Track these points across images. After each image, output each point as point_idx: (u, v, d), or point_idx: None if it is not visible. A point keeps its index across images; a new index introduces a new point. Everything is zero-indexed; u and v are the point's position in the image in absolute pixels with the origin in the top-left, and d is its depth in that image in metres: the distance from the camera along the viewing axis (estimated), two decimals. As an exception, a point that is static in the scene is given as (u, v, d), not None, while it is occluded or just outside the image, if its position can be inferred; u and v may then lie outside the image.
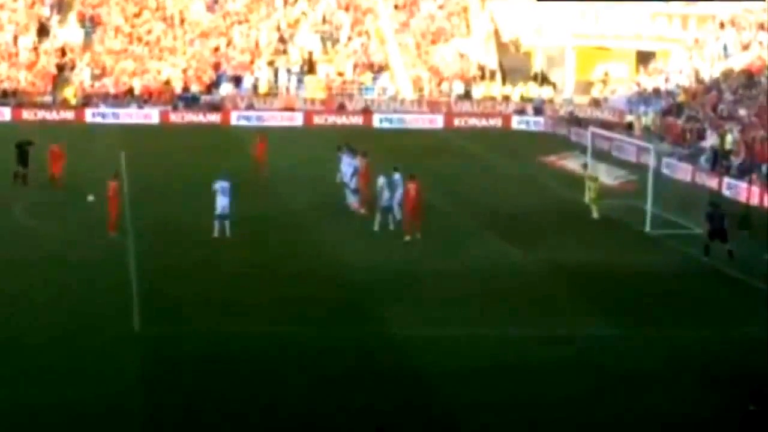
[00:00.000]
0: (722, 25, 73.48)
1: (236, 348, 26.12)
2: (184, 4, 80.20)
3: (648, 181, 41.11)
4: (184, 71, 75.27)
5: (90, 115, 69.60)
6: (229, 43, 78.46)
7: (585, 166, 46.72)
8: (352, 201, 42.07)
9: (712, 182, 50.82)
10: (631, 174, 50.64)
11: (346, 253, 35.57)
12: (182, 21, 79.29)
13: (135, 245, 35.72)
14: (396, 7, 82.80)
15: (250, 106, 72.50)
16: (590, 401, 23.54)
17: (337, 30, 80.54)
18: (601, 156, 53.65)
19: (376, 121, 71.50)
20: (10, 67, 73.74)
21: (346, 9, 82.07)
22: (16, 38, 75.77)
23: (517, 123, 72.94)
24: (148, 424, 21.79)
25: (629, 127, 65.79)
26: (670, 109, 65.89)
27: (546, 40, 79.91)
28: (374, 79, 76.58)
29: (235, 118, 70.78)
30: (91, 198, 40.68)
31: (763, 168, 49.29)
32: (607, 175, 49.74)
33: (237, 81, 75.28)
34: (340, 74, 76.99)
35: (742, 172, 50.19)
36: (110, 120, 69.05)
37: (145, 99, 72.41)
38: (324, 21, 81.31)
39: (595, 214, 42.11)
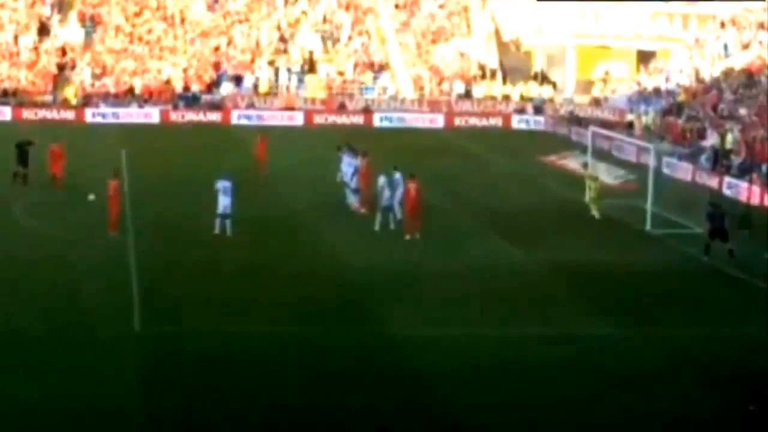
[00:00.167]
0: (723, 25, 73.49)
1: (236, 348, 26.12)
2: (185, 3, 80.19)
3: (648, 180, 41.11)
4: (185, 70, 75.28)
5: (90, 115, 69.56)
6: (229, 43, 78.46)
7: (585, 165, 46.71)
8: (353, 200, 42.07)
9: (712, 182, 50.81)
10: (632, 173, 50.63)
11: (346, 253, 35.57)
12: (183, 20, 79.29)
13: (135, 244, 35.72)
14: (396, 6, 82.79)
15: (250, 106, 72.49)
16: (590, 401, 23.54)
17: (337, 29, 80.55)
18: (602, 155, 53.64)
19: (377, 121, 71.48)
20: (11, 66, 73.74)
21: (347, 8, 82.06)
22: (16, 37, 75.77)
23: (517, 122, 72.91)
24: (148, 423, 21.80)
25: (630, 126, 65.78)
26: (670, 109, 65.89)
27: (546, 39, 79.90)
28: (375, 78, 76.58)
29: (236, 118, 70.78)
30: (91, 197, 40.67)
31: (764, 167, 49.27)
32: (608, 175, 49.74)
33: (237, 80, 75.29)
34: (341, 74, 76.99)
35: (743, 172, 50.18)
36: (111, 119, 69.03)
37: (146, 98, 72.39)
38: (324, 20, 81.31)
39: (595, 214, 42.13)
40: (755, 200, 46.24)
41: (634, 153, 55.89)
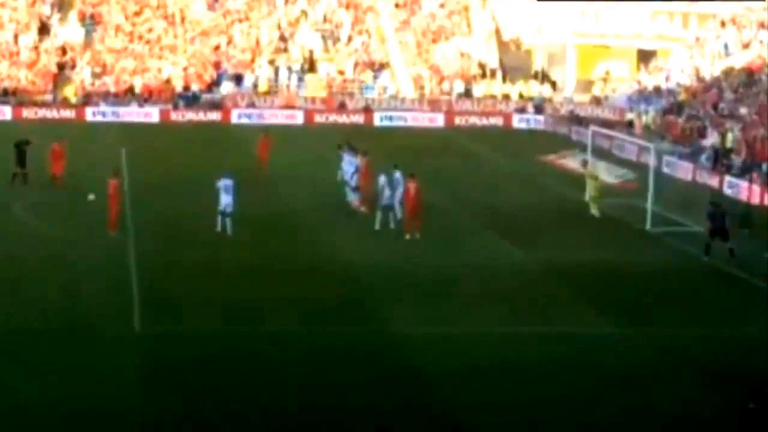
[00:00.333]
0: (723, 24, 73.47)
1: (236, 347, 26.12)
2: (185, 2, 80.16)
3: (649, 179, 41.11)
4: (185, 70, 75.27)
5: (90, 114, 69.55)
6: (229, 42, 78.44)
7: (585, 163, 46.73)
8: (353, 199, 42.07)
9: (712, 181, 50.81)
10: (632, 173, 50.62)
11: (346, 252, 35.57)
12: (183, 19, 79.26)
13: (135, 244, 35.72)
14: (397, 5, 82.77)
15: (250, 105, 72.48)
16: (590, 400, 23.54)
17: (337, 28, 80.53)
18: (602, 154, 53.64)
19: (377, 120, 71.47)
20: (11, 65, 73.72)
21: (347, 7, 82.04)
22: (16, 37, 75.74)
23: (517, 122, 72.90)
24: (148, 423, 21.80)
25: (630, 125, 65.79)
26: (670, 108, 65.88)
27: (547, 38, 79.90)
28: (375, 77, 76.56)
29: (236, 117, 70.77)
30: (91, 197, 40.64)
31: (764, 167, 49.27)
32: (608, 174, 49.74)
33: (238, 79, 75.28)
34: (341, 73, 76.98)
35: (743, 171, 50.18)
36: (111, 119, 69.00)
37: (146, 97, 72.36)
38: (325, 19, 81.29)
39: (594, 213, 42.13)
40: (755, 199, 46.25)
41: (635, 152, 55.88)
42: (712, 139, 56.37)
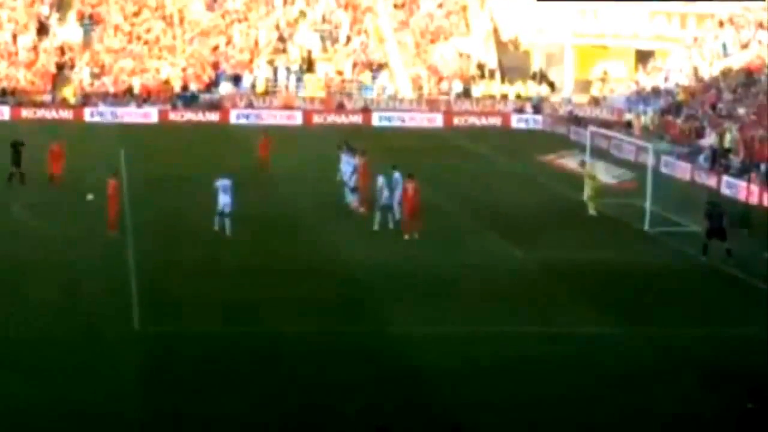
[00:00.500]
0: (721, 24, 73.52)
1: (235, 347, 26.13)
2: (184, 2, 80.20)
3: (647, 179, 41.13)
4: (184, 70, 75.30)
5: (89, 114, 69.59)
6: (228, 42, 78.48)
7: (582, 163, 46.79)
8: (352, 200, 42.07)
9: (711, 181, 50.86)
10: (631, 173, 50.65)
11: (345, 252, 35.58)
12: (181, 20, 79.30)
13: (135, 244, 35.73)
14: (395, 5, 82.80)
15: (249, 105, 72.52)
16: (590, 400, 23.55)
17: (336, 29, 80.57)
18: (601, 155, 53.67)
19: (376, 120, 71.52)
20: (10, 65, 73.77)
21: (346, 8, 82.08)
22: (15, 37, 75.78)
23: (516, 122, 72.99)
24: (148, 423, 21.80)
25: (628, 125, 65.84)
26: (669, 108, 65.95)
27: (545, 38, 79.95)
28: (373, 78, 76.62)
29: (235, 117, 70.82)
30: (90, 197, 40.66)
31: (762, 167, 49.31)
32: (607, 174, 49.77)
33: (236, 80, 75.33)
34: (340, 73, 77.02)
35: (741, 171, 50.23)
36: (109, 119, 69.04)
37: (145, 98, 72.40)
38: (323, 20, 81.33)
39: (592, 212, 42.15)
40: (754, 199, 46.28)
41: (633, 152, 55.92)
42: (710, 139, 56.42)
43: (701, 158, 54.40)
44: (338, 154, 44.79)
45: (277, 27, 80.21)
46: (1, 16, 77.08)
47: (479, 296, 30.95)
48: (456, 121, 72.43)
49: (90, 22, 78.46)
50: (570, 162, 54.57)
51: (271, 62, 76.84)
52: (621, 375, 25.09)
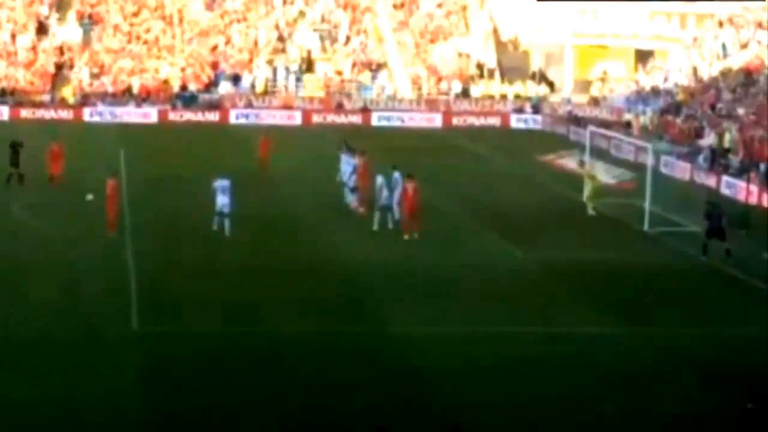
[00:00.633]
0: (721, 24, 73.52)
1: (235, 347, 26.13)
2: (183, 2, 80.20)
3: (646, 179, 41.13)
4: (183, 70, 75.31)
5: (88, 114, 69.57)
6: (227, 42, 78.48)
7: (582, 163, 46.78)
8: (351, 200, 42.06)
9: (710, 181, 50.88)
10: (630, 173, 50.66)
11: (345, 252, 35.58)
12: (181, 20, 79.30)
13: (134, 244, 35.72)
14: (394, 5, 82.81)
15: (248, 105, 72.52)
16: (589, 400, 23.55)
17: (335, 29, 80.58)
18: (600, 155, 53.68)
19: (375, 120, 71.52)
20: (9, 65, 73.74)
21: (345, 8, 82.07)
22: (14, 37, 75.77)
23: (515, 122, 73.00)
24: (147, 422, 21.79)
25: (628, 125, 65.83)
26: (668, 108, 65.94)
27: (545, 38, 79.95)
28: (373, 77, 76.62)
29: (234, 117, 70.82)
30: (89, 197, 40.64)
31: (762, 167, 49.33)
32: (606, 174, 49.77)
33: (236, 80, 75.33)
34: (339, 73, 77.03)
35: (741, 171, 50.23)
36: (109, 119, 69.03)
37: (144, 98, 72.39)
38: (323, 20, 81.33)
39: (590, 212, 42.14)
40: (753, 200, 46.29)
41: (633, 152, 55.93)
42: (709, 139, 56.42)
43: (700, 158, 54.41)
44: (338, 154, 44.77)
45: (277, 27, 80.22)
46: (1, 16, 77.06)
47: (479, 296, 30.95)
48: (455, 121, 72.44)
49: (89, 22, 78.46)
50: (569, 162, 54.58)
51: (270, 62, 76.85)
52: (621, 375, 25.09)
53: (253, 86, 74.87)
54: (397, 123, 71.49)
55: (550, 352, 26.44)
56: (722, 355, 26.68)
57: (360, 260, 34.62)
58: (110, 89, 73.10)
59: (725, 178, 50.04)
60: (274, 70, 76.19)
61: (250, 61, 77.00)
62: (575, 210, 42.81)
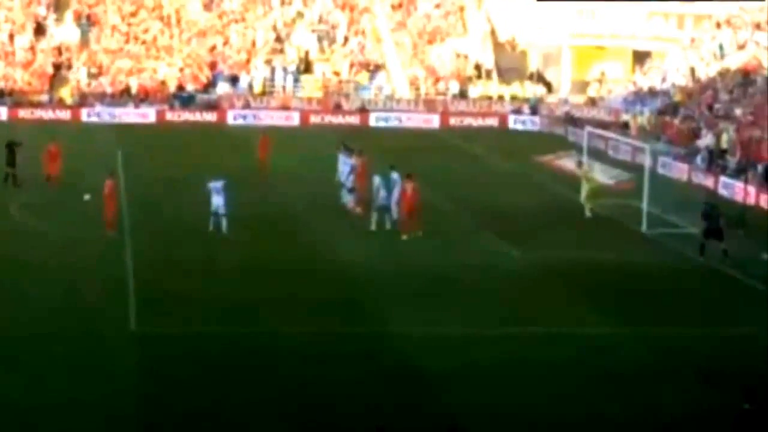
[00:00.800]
0: (718, 25, 73.58)
1: (234, 347, 26.13)
2: (181, 3, 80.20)
3: (644, 180, 41.16)
4: (181, 70, 75.31)
5: (86, 115, 69.55)
6: (225, 42, 78.48)
7: (579, 164, 46.78)
8: (348, 201, 42.06)
9: (708, 181, 50.93)
10: (628, 173, 50.69)
11: (343, 253, 35.60)
12: (179, 20, 79.30)
13: (132, 244, 35.73)
14: (392, 6, 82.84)
15: (246, 105, 72.52)
16: (587, 400, 23.57)
17: (333, 29, 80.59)
18: (598, 155, 53.73)
19: (373, 121, 71.53)
20: (7, 66, 73.72)
21: (343, 8, 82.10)
22: (12, 37, 75.74)
23: (513, 122, 73.04)
24: (145, 423, 21.80)
25: (625, 126, 65.88)
26: (666, 109, 65.99)
27: (542, 39, 79.97)
28: (371, 78, 76.63)
29: (232, 117, 70.83)
30: (87, 197, 40.64)
31: (759, 167, 49.38)
32: (604, 175, 49.78)
33: (233, 80, 75.32)
34: (337, 73, 77.04)
35: (738, 172, 50.26)
36: (107, 119, 69.03)
37: (142, 98, 72.39)
38: (320, 20, 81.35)
39: (587, 213, 42.14)
40: (750, 200, 46.31)
41: (630, 153, 55.99)
42: (707, 140, 56.46)
43: (698, 159, 54.46)
44: (336, 154, 44.78)
45: (275, 27, 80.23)
46: (-1, 16, 77.14)
47: (477, 297, 30.96)
48: (453, 121, 72.47)
49: (87, 22, 78.45)
50: (567, 163, 54.59)
51: (268, 63, 76.86)
52: (618, 375, 25.10)
53: (251, 87, 74.87)
54: (394, 123, 71.52)
55: (548, 352, 26.46)
56: (720, 356, 26.71)
57: (357, 260, 34.64)
58: (108, 89, 73.08)
59: (723, 178, 50.08)
60: (272, 71, 76.19)
61: (248, 61, 77.01)
62: (573, 211, 42.82)
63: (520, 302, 30.67)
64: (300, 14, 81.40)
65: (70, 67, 74.72)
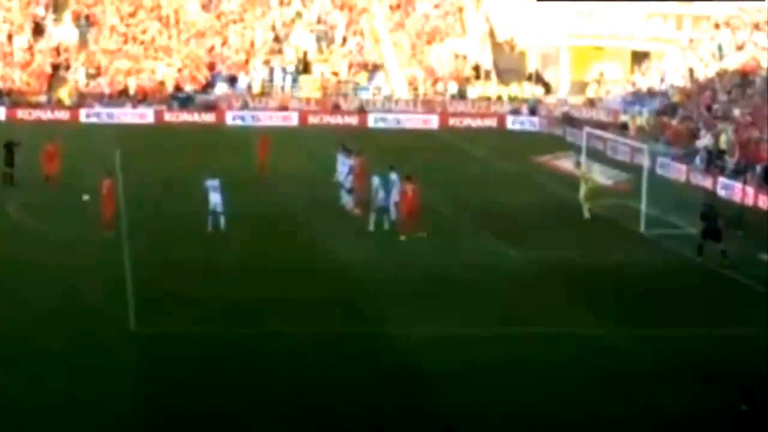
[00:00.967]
0: (717, 26, 73.57)
1: (232, 348, 26.13)
2: (179, 3, 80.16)
3: (642, 181, 41.17)
4: (179, 71, 75.28)
5: (84, 115, 69.52)
6: (224, 43, 78.46)
7: (578, 164, 46.79)
8: (347, 201, 42.07)
9: (706, 182, 50.94)
10: (626, 174, 50.71)
11: (342, 253, 35.61)
12: (177, 21, 79.26)
13: (130, 244, 35.73)
14: (391, 7, 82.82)
15: (245, 106, 72.49)
16: (586, 401, 23.58)
17: (332, 30, 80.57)
18: (596, 156, 53.71)
19: (371, 121, 71.51)
20: (5, 66, 73.67)
21: (341, 9, 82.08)
22: (10, 38, 75.69)
23: (512, 123, 73.02)
24: (144, 423, 21.81)
25: (624, 127, 65.88)
26: (664, 110, 65.99)
27: (541, 39, 79.98)
28: (369, 78, 76.62)
29: (230, 118, 70.79)
30: (86, 197, 40.67)
31: (758, 168, 49.39)
32: (602, 175, 49.78)
33: (232, 81, 75.29)
34: (335, 74, 77.04)
35: (737, 173, 50.27)
36: (105, 120, 69.01)
37: (140, 99, 72.36)
38: (319, 21, 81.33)
39: (585, 214, 42.12)
40: (749, 201, 46.30)
41: (629, 153, 56.01)
42: (705, 140, 56.47)
43: (697, 160, 54.47)
44: (335, 155, 44.78)
45: (273, 28, 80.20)
46: (-3, 16, 77.10)
47: (476, 297, 30.98)
48: (451, 122, 72.46)
49: (86, 22, 78.40)
50: (566, 163, 54.63)
51: (266, 63, 76.85)
52: (617, 376, 25.12)
53: (249, 87, 74.85)
54: (393, 124, 71.52)
55: (547, 352, 26.48)
56: (717, 356, 26.72)
57: (356, 261, 34.65)
58: (107, 90, 73.04)
59: (721, 179, 50.10)
60: (271, 71, 76.17)
61: (247, 62, 76.98)
62: (572, 211, 42.80)
63: (518, 302, 30.68)
64: (298, 15, 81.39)
65: (68, 67, 74.70)
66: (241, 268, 33.18)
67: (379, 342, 26.89)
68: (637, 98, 70.30)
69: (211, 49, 77.75)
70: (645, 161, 43.34)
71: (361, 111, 72.45)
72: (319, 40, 79.50)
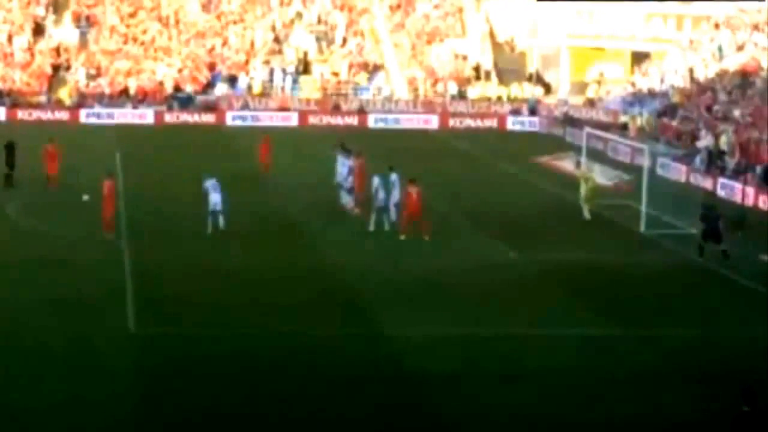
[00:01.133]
0: (717, 26, 73.57)
1: (232, 349, 26.12)
2: (180, 4, 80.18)
3: (643, 181, 41.17)
4: (180, 71, 75.28)
5: (85, 116, 69.52)
6: (224, 44, 78.46)
7: (578, 164, 46.78)
8: (347, 202, 42.07)
9: (706, 183, 50.94)
10: (626, 174, 50.71)
11: (341, 254, 35.60)
12: (177, 21, 79.27)
13: (130, 245, 35.71)
14: (391, 7, 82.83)
15: (245, 106, 72.49)
16: (586, 401, 23.58)
17: (332, 30, 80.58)
18: (596, 156, 53.74)
19: (371, 122, 71.51)
20: (5, 66, 73.67)
21: (342, 9, 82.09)
22: (10, 38, 75.70)
23: (512, 123, 73.02)
24: (144, 424, 21.80)
25: (624, 127, 65.87)
26: (664, 110, 65.97)
27: (541, 40, 79.99)
28: (369, 79, 76.62)
29: (230, 119, 70.79)
30: (86, 198, 40.67)
31: (758, 169, 49.39)
32: (602, 176, 49.79)
33: (232, 81, 75.29)
34: (335, 74, 77.04)
35: (737, 173, 50.29)
36: (105, 120, 69.00)
37: (140, 99, 72.37)
38: (319, 21, 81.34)
39: (585, 214, 42.11)
40: (749, 201, 46.32)
41: (629, 154, 56.01)
42: (705, 141, 56.46)
43: (697, 160, 54.46)
44: (335, 155, 44.76)
45: (273, 28, 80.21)
46: (-3, 17, 77.10)
47: (476, 297, 30.97)
48: (452, 122, 72.45)
49: (86, 23, 78.41)
50: (566, 164, 54.65)
51: (267, 63, 76.85)
52: (617, 376, 25.12)
53: (249, 88, 74.86)
54: (393, 124, 71.51)
55: (547, 353, 26.48)
56: (718, 357, 26.72)
57: (356, 261, 34.64)
58: (107, 90, 73.03)
59: (721, 180, 50.10)
60: (271, 72, 76.17)
61: (247, 62, 76.99)
62: (572, 212, 42.81)
63: (518, 303, 30.68)
64: (299, 15, 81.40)
65: (68, 67, 74.70)
66: (242, 270, 33.15)
67: (379, 342, 26.89)
68: (638, 99, 70.29)
69: (211, 49, 77.76)
70: (645, 162, 43.34)
71: (361, 111, 72.45)
72: (319, 40, 79.51)
